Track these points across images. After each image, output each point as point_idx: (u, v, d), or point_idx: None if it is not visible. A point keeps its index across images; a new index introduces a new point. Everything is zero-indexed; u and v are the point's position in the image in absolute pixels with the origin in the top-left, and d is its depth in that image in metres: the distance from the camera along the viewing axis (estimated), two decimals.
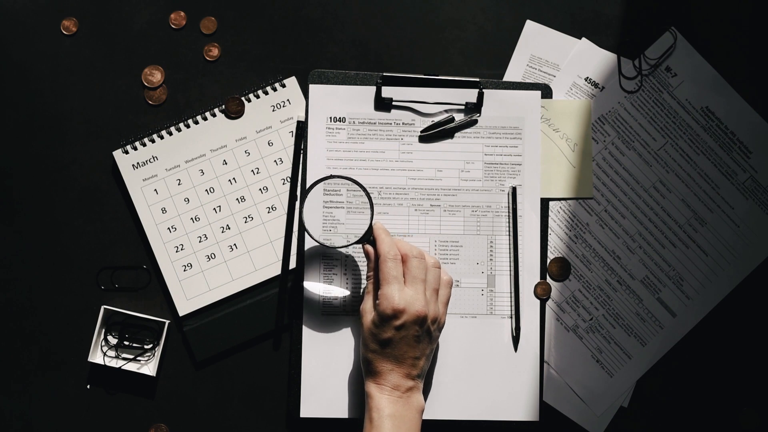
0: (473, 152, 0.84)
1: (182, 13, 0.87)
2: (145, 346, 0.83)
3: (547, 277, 0.84)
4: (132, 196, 0.84)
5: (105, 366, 0.82)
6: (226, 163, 0.85)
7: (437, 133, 0.84)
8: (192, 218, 0.84)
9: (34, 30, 0.86)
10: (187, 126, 0.85)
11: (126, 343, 0.83)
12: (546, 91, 0.85)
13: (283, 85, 0.86)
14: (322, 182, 0.78)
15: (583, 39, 0.87)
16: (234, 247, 0.84)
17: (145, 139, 0.84)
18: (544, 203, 0.84)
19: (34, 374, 0.83)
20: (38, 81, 0.86)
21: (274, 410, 0.83)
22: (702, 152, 0.86)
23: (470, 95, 0.84)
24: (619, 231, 0.85)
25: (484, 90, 0.84)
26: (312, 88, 0.84)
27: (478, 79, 0.84)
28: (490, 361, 0.82)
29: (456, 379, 0.82)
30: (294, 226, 0.84)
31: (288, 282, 0.83)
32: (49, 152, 0.85)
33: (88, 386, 0.83)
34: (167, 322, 0.82)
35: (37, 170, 0.85)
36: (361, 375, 0.76)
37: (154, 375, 0.82)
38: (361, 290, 0.83)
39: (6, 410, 0.83)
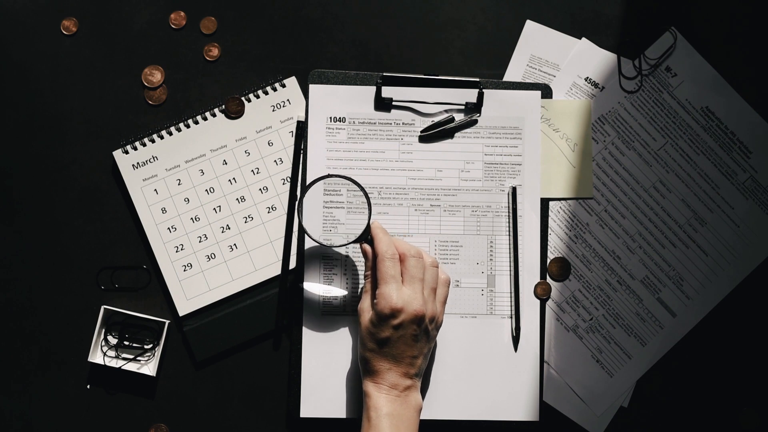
0: (473, 152, 0.84)
1: (182, 13, 0.87)
2: (145, 346, 0.83)
3: (547, 277, 0.84)
4: (132, 196, 0.84)
5: (105, 366, 0.82)
6: (226, 163, 0.85)
7: (437, 133, 0.84)
8: (192, 218, 0.84)
9: (34, 30, 0.86)
10: (187, 126, 0.85)
11: (126, 343, 0.83)
12: (546, 91, 0.85)
13: (283, 85, 0.86)
14: (320, 182, 0.78)
15: (583, 39, 0.87)
16: (234, 247, 0.84)
17: (145, 139, 0.84)
18: (544, 203, 0.84)
19: (34, 374, 0.83)
20: (38, 81, 0.86)
21: (274, 410, 0.83)
22: (702, 152, 0.86)
23: (470, 95, 0.84)
24: (619, 231, 0.85)
25: (484, 90, 0.84)
26: (312, 88, 0.84)
27: (478, 79, 0.84)
28: (490, 361, 0.82)
29: (456, 379, 0.82)
30: (294, 226, 0.84)
31: (288, 282, 0.83)
32: (49, 152, 0.85)
33: (88, 386, 0.83)
34: (167, 322, 0.82)
35: (37, 170, 0.85)
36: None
37: (154, 375, 0.82)
38: (359, 289, 0.83)
39: (6, 410, 0.83)
